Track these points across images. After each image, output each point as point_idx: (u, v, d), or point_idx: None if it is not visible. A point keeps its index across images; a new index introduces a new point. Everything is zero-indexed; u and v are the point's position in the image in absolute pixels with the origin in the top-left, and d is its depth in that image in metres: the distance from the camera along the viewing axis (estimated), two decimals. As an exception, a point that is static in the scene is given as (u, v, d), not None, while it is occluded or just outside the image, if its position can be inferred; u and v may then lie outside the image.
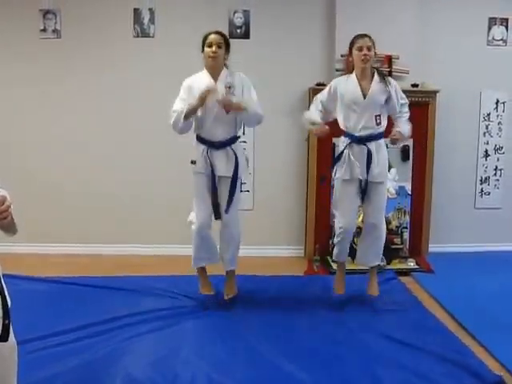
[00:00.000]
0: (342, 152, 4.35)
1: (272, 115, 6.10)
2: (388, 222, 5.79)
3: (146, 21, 6.04)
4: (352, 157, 4.30)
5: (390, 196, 5.83)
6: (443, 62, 6.12)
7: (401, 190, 5.91)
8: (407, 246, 5.90)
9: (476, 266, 5.73)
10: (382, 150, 4.36)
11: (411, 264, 5.72)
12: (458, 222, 6.35)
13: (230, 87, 4.16)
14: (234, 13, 6.07)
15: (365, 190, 4.35)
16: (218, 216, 4.31)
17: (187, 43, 6.03)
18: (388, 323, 4.11)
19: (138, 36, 6.06)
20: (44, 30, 6.00)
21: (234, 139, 4.31)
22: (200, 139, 4.28)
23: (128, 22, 6.03)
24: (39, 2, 5.97)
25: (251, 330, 3.96)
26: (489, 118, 6.30)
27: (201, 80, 4.24)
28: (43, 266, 5.37)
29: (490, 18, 6.23)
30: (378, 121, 4.28)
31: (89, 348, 3.58)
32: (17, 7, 5.97)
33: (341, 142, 4.42)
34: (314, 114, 4.43)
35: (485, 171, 6.40)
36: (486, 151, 6.38)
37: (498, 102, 6.30)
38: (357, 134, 4.28)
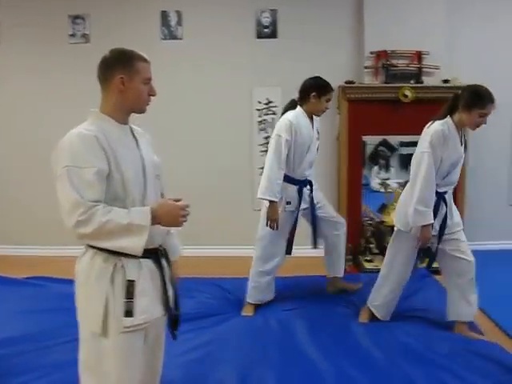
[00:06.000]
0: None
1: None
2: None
3: (173, 23, 6.07)
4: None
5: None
6: (475, 56, 6.01)
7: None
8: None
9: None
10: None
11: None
12: (492, 220, 6.24)
13: (318, 132, 4.44)
14: (262, 12, 6.05)
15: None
16: (290, 252, 4.44)
17: (216, 44, 6.08)
18: (423, 321, 4.11)
19: (165, 38, 6.09)
20: (73, 35, 6.08)
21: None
22: (290, 179, 4.33)
23: (156, 24, 6.07)
24: (68, 8, 6.05)
25: (286, 332, 3.95)
26: (524, 113, 6.16)
27: (304, 125, 4.28)
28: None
29: (524, 8, 6.11)
30: None
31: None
32: (46, 13, 6.06)
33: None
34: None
35: (519, 167, 6.28)
36: (521, 147, 6.25)
37: (532, 96, 6.16)
38: (441, 191, 3.73)
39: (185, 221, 2.14)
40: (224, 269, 5.46)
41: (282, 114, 4.37)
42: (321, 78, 4.33)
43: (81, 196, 1.98)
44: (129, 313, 2.10)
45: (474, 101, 3.53)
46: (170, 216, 2.11)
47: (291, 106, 4.36)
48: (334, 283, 4.77)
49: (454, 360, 3.46)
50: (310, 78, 4.34)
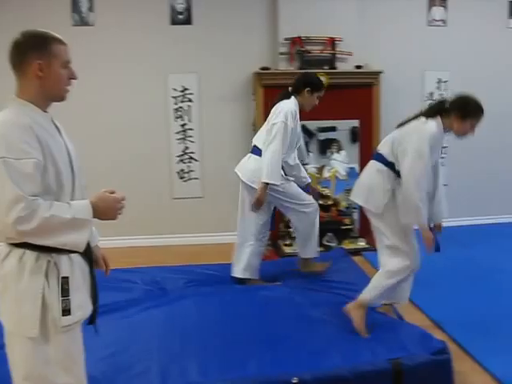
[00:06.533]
0: None
1: (217, 101, 6.09)
2: (338, 203, 5.87)
3: (84, 9, 5.88)
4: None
5: (340, 177, 5.91)
6: (386, 44, 6.20)
7: (350, 172, 5.98)
8: (357, 226, 5.97)
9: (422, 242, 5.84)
10: None
11: (362, 243, 5.81)
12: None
13: None
14: (176, -2, 5.97)
15: None
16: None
17: (129, 31, 5.95)
18: (339, 300, 4.17)
19: (76, 25, 5.89)
20: (-24, 21, 5.79)
21: None
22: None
23: (66, 9, 5.86)
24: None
25: (206, 319, 3.95)
26: (431, 97, 6.40)
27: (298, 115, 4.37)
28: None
29: (430, -1, 6.35)
30: None
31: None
32: None
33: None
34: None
35: (430, 149, 6.51)
36: (431, 130, 6.49)
37: (439, 81, 6.43)
38: None
39: (120, 213, 2.07)
40: (138, 259, 5.40)
41: (277, 101, 4.37)
42: (315, 75, 4.48)
43: (21, 190, 1.83)
44: (66, 311, 1.99)
45: (469, 111, 3.40)
46: (107, 209, 2.02)
47: (286, 95, 4.40)
48: (304, 263, 4.78)
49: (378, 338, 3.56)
50: (306, 74, 4.53)
